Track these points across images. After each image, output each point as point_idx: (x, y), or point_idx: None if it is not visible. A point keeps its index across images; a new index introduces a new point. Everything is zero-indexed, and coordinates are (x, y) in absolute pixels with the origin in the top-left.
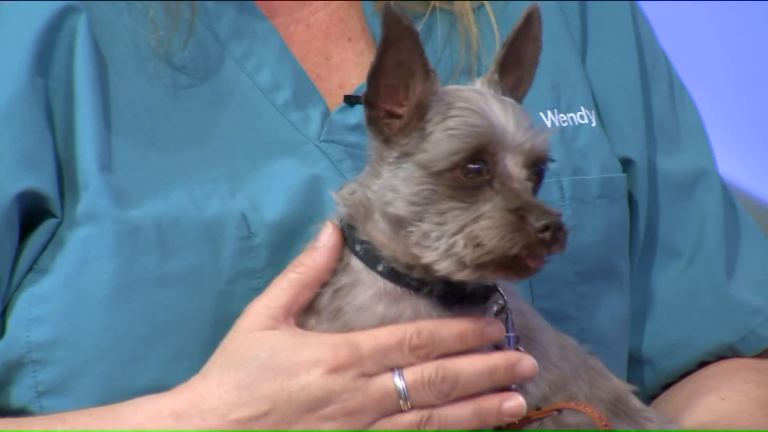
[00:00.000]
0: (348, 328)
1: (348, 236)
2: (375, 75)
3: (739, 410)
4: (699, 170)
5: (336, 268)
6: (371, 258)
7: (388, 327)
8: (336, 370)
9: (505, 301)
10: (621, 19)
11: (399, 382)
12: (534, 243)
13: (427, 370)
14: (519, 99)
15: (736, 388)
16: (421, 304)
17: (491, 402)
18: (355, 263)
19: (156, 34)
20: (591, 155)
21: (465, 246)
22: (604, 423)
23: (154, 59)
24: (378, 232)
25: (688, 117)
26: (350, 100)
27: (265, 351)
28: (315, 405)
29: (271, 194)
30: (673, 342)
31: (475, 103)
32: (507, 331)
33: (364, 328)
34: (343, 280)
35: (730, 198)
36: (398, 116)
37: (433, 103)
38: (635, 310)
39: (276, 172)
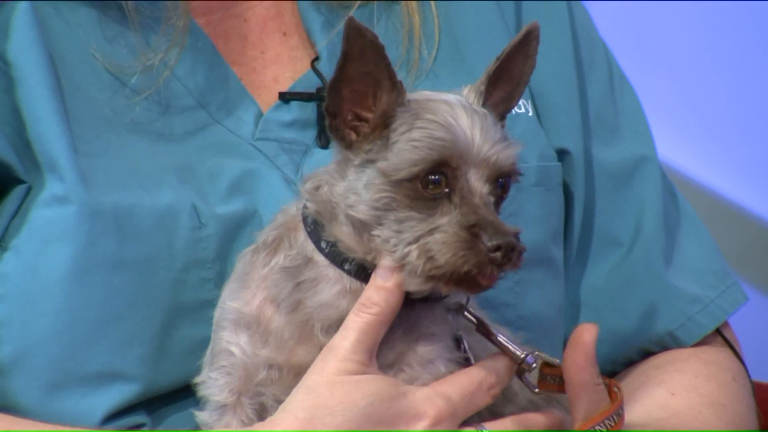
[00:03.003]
0: (309, 323)
1: (313, 232)
2: (335, 87)
3: (689, 407)
4: (638, 158)
5: (298, 263)
6: (337, 256)
7: (464, 373)
8: (437, 424)
9: (468, 299)
10: (556, 10)
11: None
12: (484, 262)
13: (507, 424)
14: (505, 113)
15: (686, 383)
16: None
17: None
18: (320, 259)
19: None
20: (529, 144)
21: (418, 257)
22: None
23: (93, 59)
24: (344, 235)
25: (627, 105)
26: (285, 97)
27: (365, 398)
28: None
29: (215, 189)
30: (611, 330)
31: (441, 115)
32: (458, 330)
33: (325, 322)
34: (306, 274)
35: (669, 186)
36: (366, 120)
37: (400, 113)
38: (574, 299)
39: (215, 171)
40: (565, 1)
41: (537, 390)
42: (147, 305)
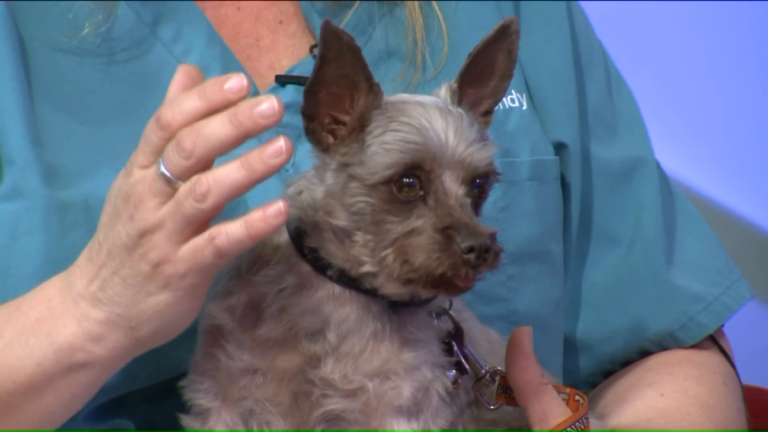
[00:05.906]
0: (292, 330)
1: (295, 238)
2: (312, 90)
3: (677, 408)
4: (636, 158)
5: (281, 269)
6: (319, 262)
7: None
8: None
9: (451, 303)
10: (555, 9)
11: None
12: (459, 264)
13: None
14: (489, 111)
15: (676, 385)
16: (369, 306)
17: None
18: (303, 265)
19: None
20: (521, 138)
21: (394, 260)
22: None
23: (78, 39)
24: (327, 242)
25: (625, 106)
26: (282, 80)
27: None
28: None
29: None
30: (612, 329)
31: (415, 118)
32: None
33: (309, 330)
34: (289, 280)
35: (668, 185)
36: (343, 123)
37: (375, 116)
38: (574, 297)
39: None
40: (564, 3)
41: (492, 407)
42: None
